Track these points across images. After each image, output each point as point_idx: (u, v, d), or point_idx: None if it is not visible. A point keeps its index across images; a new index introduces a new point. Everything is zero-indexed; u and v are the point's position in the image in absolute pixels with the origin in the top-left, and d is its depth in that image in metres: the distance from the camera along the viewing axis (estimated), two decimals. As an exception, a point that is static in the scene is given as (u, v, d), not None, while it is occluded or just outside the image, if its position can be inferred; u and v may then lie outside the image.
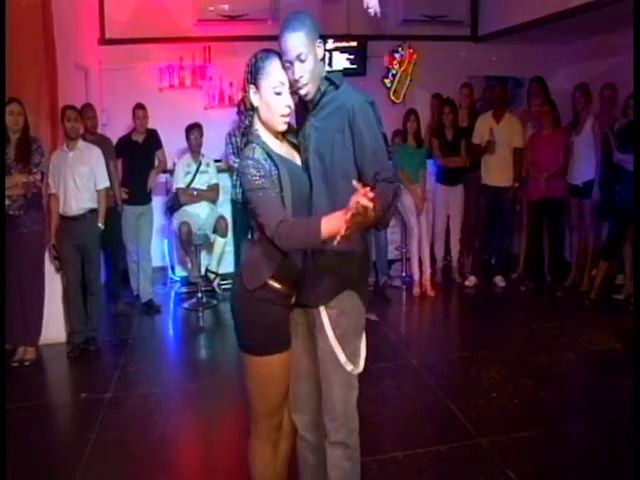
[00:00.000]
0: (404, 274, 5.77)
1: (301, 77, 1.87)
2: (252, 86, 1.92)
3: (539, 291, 5.42)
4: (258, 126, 1.94)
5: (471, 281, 5.62)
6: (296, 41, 1.85)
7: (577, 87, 5.34)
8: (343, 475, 2.08)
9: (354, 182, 1.65)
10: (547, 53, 6.43)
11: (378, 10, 3.86)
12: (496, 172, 5.44)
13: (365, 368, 3.98)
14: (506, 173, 5.42)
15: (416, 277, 5.44)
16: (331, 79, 1.94)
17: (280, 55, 1.90)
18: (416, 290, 5.39)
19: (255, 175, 1.83)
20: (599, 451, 2.97)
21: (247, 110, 1.93)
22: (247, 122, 1.94)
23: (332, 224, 1.71)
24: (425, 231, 5.44)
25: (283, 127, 1.93)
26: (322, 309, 2.00)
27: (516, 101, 6.39)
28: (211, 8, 5.97)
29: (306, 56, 1.86)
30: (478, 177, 5.54)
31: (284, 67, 1.89)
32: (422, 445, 2.96)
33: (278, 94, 1.89)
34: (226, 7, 6.02)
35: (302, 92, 1.90)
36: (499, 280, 5.58)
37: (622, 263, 5.25)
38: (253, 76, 1.92)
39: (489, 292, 5.48)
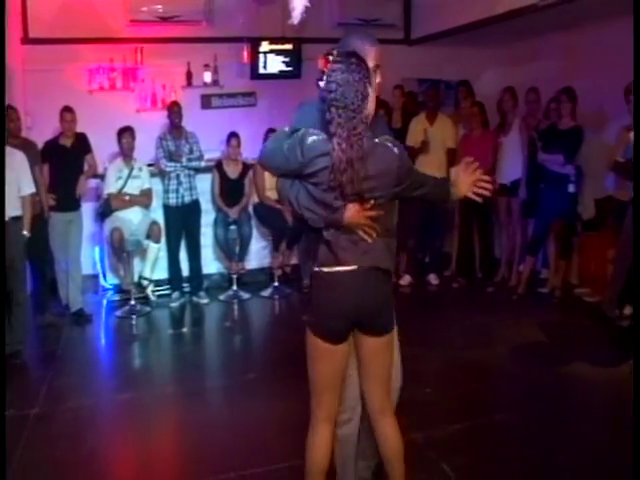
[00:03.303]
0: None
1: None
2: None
3: (471, 287, 5.60)
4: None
5: (406, 280, 5.72)
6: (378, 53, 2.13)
7: (505, 90, 5.55)
8: None
9: None
10: (476, 57, 6.64)
11: (299, 19, 3.90)
12: (430, 172, 5.56)
13: (302, 370, 4.00)
14: (440, 173, 5.55)
15: (351, 278, 5.48)
16: None
17: None
18: (352, 291, 5.44)
19: None
20: (528, 438, 3.10)
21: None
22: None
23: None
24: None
25: None
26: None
27: (447, 103, 6.58)
28: (144, 9, 5.85)
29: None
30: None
31: None
32: (358, 444, 3.00)
33: None
34: (159, 8, 5.92)
35: None
36: (433, 278, 5.73)
37: (547, 258, 5.51)
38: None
39: (423, 290, 5.62)
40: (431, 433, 3.08)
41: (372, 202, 2.02)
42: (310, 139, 1.96)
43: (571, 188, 4.99)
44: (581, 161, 5.08)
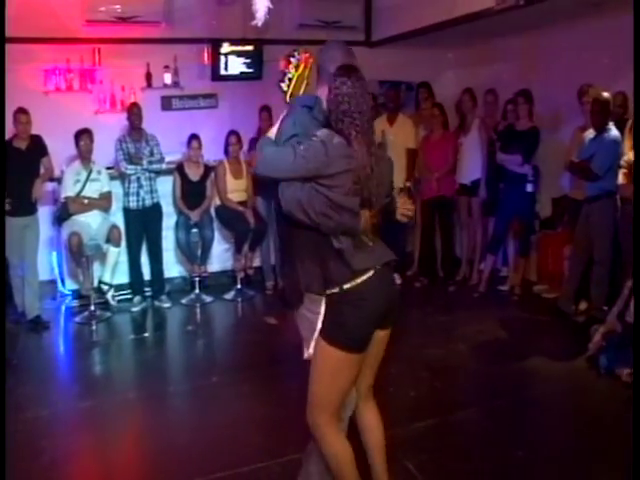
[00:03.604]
0: (303, 277, 5.81)
1: None
2: None
3: (433, 287, 5.68)
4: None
5: (370, 280, 5.75)
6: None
7: (465, 91, 5.65)
8: None
9: None
10: (436, 59, 6.74)
11: (263, 20, 3.89)
12: (391, 174, 5.63)
13: (265, 372, 4.02)
14: (400, 174, 5.62)
15: (316, 279, 5.49)
16: None
17: None
18: (313, 291, 5.45)
19: None
20: (489, 433, 3.17)
21: None
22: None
23: None
24: (323, 234, 5.51)
25: None
26: None
27: (408, 104, 6.65)
28: (102, 8, 5.73)
29: None
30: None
31: None
32: (323, 444, 3.00)
33: None
34: (117, 8, 5.81)
35: None
36: (395, 278, 5.74)
37: (506, 256, 5.63)
38: None
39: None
40: (395, 432, 3.06)
41: (377, 208, 2.10)
42: (336, 139, 1.99)
43: (529, 187, 5.10)
44: (538, 161, 5.22)
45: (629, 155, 4.26)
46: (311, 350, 2.24)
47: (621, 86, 4.69)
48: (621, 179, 4.28)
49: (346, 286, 2.06)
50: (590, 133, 4.50)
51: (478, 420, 3.33)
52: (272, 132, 2.16)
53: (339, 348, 2.10)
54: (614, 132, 4.35)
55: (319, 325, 2.15)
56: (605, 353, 3.78)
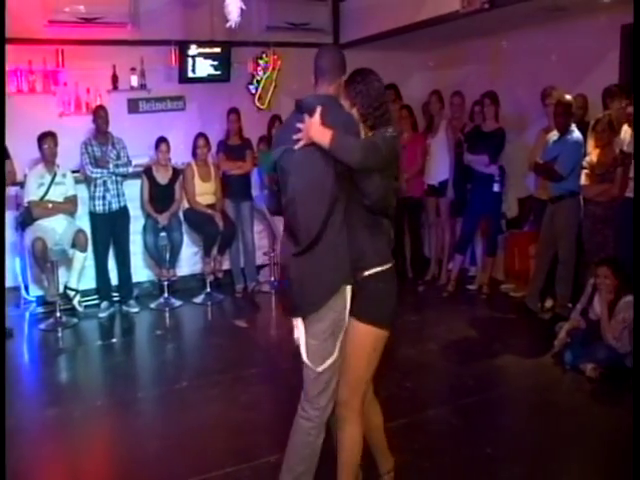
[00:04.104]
0: (273, 279, 5.82)
1: None
2: None
3: (402, 287, 5.66)
4: None
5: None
6: None
7: (432, 93, 5.73)
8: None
9: None
10: (403, 61, 6.81)
11: (237, 22, 3.89)
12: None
13: (235, 375, 4.01)
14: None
15: (285, 282, 5.50)
16: None
17: None
18: (285, 294, 5.45)
19: None
20: (458, 431, 3.21)
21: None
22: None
23: None
24: (292, 235, 5.52)
25: None
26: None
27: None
28: (66, 9, 5.66)
29: None
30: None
31: None
32: (295, 446, 3.01)
33: None
34: (82, 9, 5.74)
35: None
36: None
37: (474, 256, 5.72)
38: None
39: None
40: (365, 432, 3.12)
41: None
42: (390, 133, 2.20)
43: (496, 187, 5.19)
44: (504, 161, 5.31)
45: (591, 156, 4.38)
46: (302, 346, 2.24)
47: (581, 88, 4.82)
48: (583, 180, 4.39)
49: (387, 265, 2.22)
50: (554, 135, 4.61)
51: (448, 418, 3.37)
52: (326, 135, 2.08)
53: (378, 326, 2.23)
54: (577, 134, 4.47)
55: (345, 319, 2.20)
56: (570, 349, 3.86)
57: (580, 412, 3.40)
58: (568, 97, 4.50)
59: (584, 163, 4.40)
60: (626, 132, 4.06)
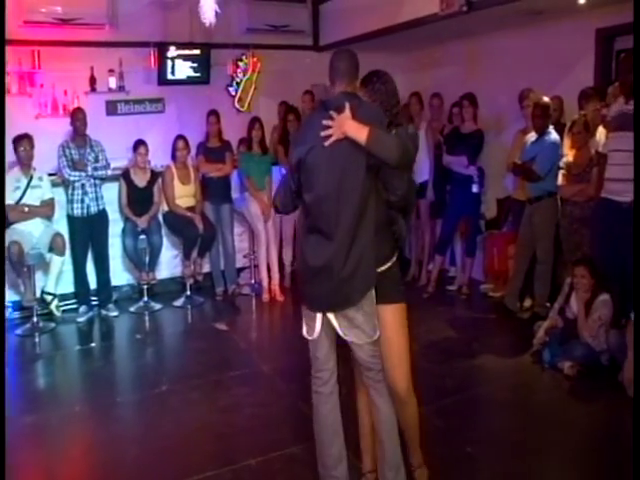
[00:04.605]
0: (253, 281, 5.82)
1: None
2: None
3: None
4: None
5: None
6: None
7: (412, 95, 5.77)
8: None
9: None
10: (383, 63, 6.68)
11: (213, 21, 3.90)
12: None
13: (216, 378, 4.00)
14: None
15: (265, 283, 5.51)
16: None
17: None
18: (265, 296, 5.47)
19: None
20: (439, 430, 3.23)
21: None
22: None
23: None
24: (273, 237, 5.54)
25: None
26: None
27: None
28: (42, 10, 5.61)
29: None
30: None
31: None
32: (276, 449, 3.02)
33: None
34: (58, 9, 5.69)
35: None
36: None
37: (454, 256, 5.77)
38: None
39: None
40: (345, 432, 3.13)
41: None
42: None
43: (475, 188, 5.25)
44: (483, 163, 5.37)
45: (568, 157, 4.45)
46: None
47: (557, 90, 4.90)
48: (560, 180, 4.46)
49: (395, 257, 2.40)
50: (531, 136, 4.68)
51: (429, 418, 3.36)
52: (362, 130, 2.15)
53: (402, 301, 2.42)
54: (554, 135, 4.54)
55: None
56: (548, 348, 3.92)
57: (558, 409, 3.45)
58: (546, 99, 4.57)
59: (561, 164, 4.47)
60: (601, 133, 4.13)
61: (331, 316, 2.34)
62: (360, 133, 2.13)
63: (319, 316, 2.37)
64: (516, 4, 4.49)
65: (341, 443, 2.52)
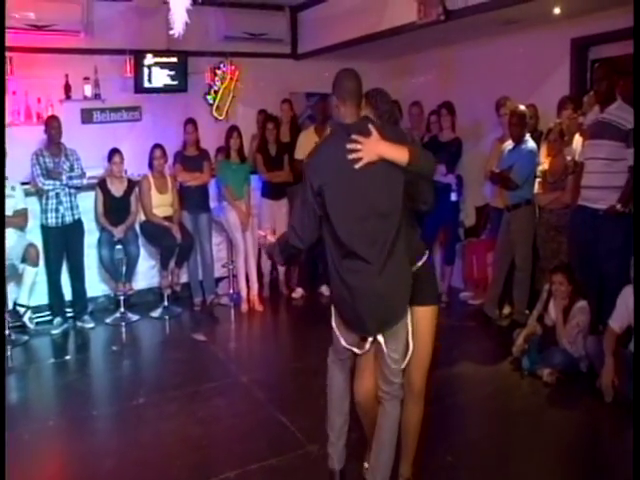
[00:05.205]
0: (232, 291, 5.80)
1: None
2: None
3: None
4: None
5: (298, 293, 5.81)
6: None
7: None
8: None
9: None
10: (362, 71, 6.81)
11: (180, 33, 3.90)
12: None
13: (193, 390, 3.98)
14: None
15: (244, 293, 5.49)
16: None
17: None
18: (244, 306, 5.45)
19: None
20: (419, 439, 3.18)
21: None
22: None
23: None
24: (251, 246, 5.52)
25: None
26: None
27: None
28: (16, 15, 5.54)
29: None
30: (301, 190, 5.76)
31: None
32: (254, 461, 3.00)
33: None
34: (32, 15, 5.64)
35: None
36: (325, 289, 5.81)
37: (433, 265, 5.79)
38: None
39: (316, 302, 5.66)
40: (326, 444, 3.12)
41: None
42: None
43: (453, 196, 5.30)
44: (461, 171, 5.43)
45: (544, 165, 4.53)
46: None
47: (533, 99, 4.99)
48: (537, 188, 4.53)
49: (427, 254, 2.53)
50: (508, 144, 4.74)
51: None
52: (401, 151, 2.25)
53: (436, 304, 2.58)
54: (531, 143, 4.61)
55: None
56: (527, 355, 3.96)
57: (538, 416, 3.49)
58: (522, 107, 4.63)
59: (538, 172, 4.54)
60: (578, 142, 4.22)
61: (380, 338, 2.40)
62: (400, 154, 2.24)
63: (369, 339, 2.45)
64: (493, 13, 4.57)
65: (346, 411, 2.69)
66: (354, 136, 2.25)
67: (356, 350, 2.51)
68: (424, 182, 2.36)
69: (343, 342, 2.51)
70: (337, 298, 2.46)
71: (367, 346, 2.46)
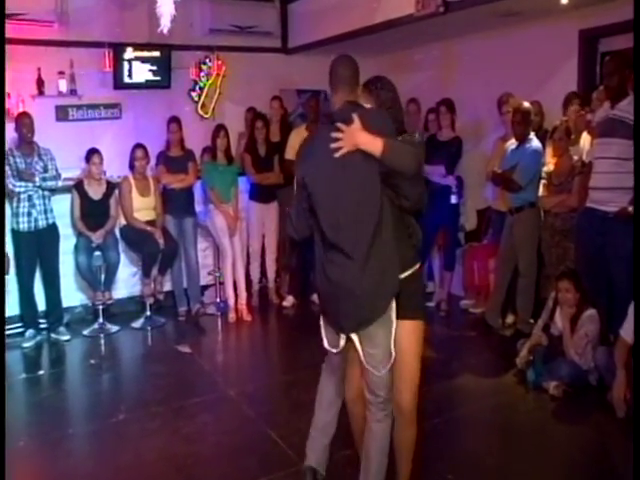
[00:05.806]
0: (218, 300, 5.79)
1: None
2: None
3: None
4: None
5: (289, 301, 5.80)
6: None
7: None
8: None
9: None
10: None
11: (168, 27, 3.92)
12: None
13: (177, 405, 3.96)
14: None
15: (231, 302, 5.48)
16: None
17: None
18: (232, 316, 5.43)
19: None
20: (419, 455, 3.18)
21: None
22: None
23: None
24: (239, 252, 5.52)
25: None
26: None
27: (329, 115, 6.79)
28: (-20, 3, 5.53)
29: None
30: (292, 193, 5.74)
31: None
32: (243, 480, 2.99)
33: None
34: (0, 3, 5.62)
35: None
36: (316, 297, 5.80)
37: (431, 271, 5.81)
38: None
39: (307, 310, 5.61)
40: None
41: None
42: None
43: (453, 199, 5.30)
44: (462, 172, 5.43)
45: (549, 166, 4.55)
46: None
47: (538, 96, 5.01)
48: (542, 191, 4.55)
49: (417, 265, 2.50)
50: (512, 143, 4.75)
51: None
52: (376, 142, 2.24)
53: (421, 319, 2.51)
54: (536, 142, 4.61)
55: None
56: (532, 367, 3.96)
57: (543, 432, 3.48)
58: (526, 104, 4.62)
59: (543, 173, 4.56)
60: (585, 140, 4.23)
61: (355, 337, 2.42)
62: (374, 145, 2.23)
63: (342, 336, 2.47)
64: (494, 4, 4.59)
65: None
66: (338, 124, 2.29)
67: (332, 350, 2.53)
68: (404, 179, 2.29)
69: (325, 343, 2.54)
70: (320, 291, 2.54)
71: (341, 343, 2.47)
